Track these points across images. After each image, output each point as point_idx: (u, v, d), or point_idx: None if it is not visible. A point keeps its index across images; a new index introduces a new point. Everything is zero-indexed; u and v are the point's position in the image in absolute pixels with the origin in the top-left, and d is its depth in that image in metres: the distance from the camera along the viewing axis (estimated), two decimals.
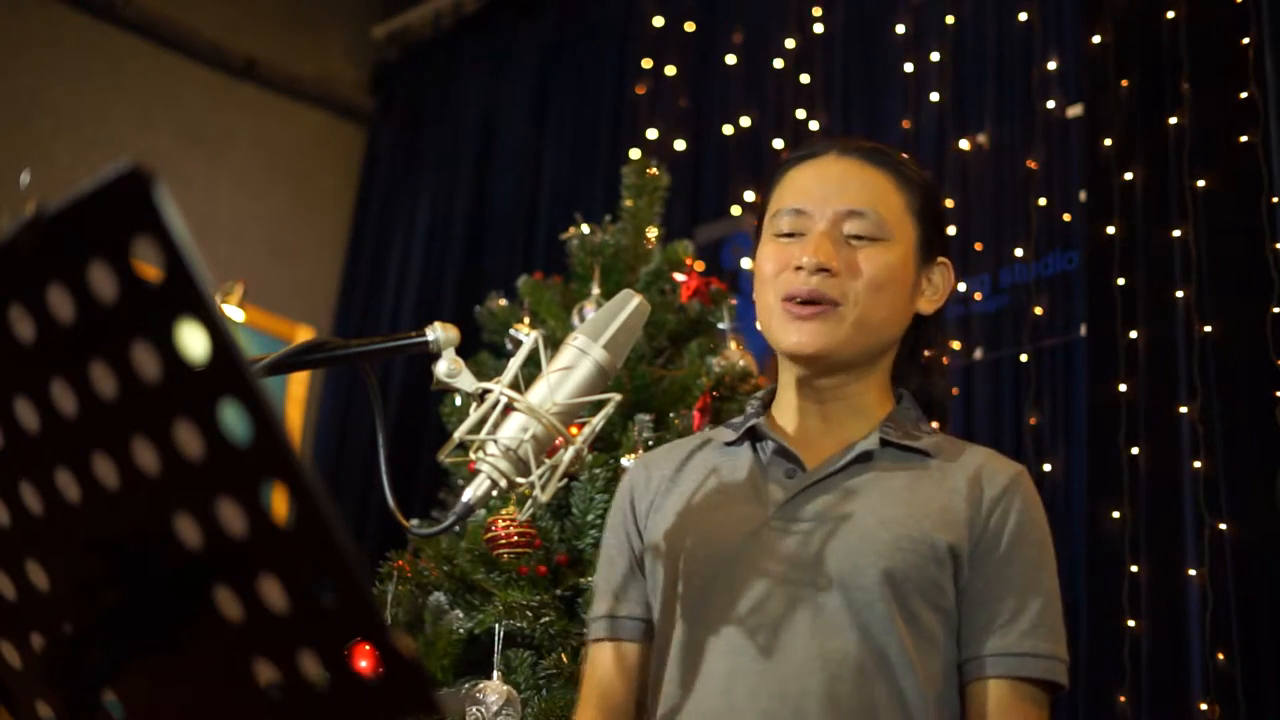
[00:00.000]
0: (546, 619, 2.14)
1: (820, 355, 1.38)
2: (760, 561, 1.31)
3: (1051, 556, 1.36)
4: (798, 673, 1.26)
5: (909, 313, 1.44)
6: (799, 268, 1.37)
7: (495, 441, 1.13)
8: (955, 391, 3.22)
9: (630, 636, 1.42)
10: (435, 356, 1.18)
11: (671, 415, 2.38)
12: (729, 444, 1.45)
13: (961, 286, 3.39)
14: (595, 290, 2.52)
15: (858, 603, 1.27)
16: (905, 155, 1.49)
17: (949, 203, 3.48)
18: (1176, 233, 2.92)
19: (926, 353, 1.52)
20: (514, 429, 1.13)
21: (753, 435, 1.44)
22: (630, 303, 1.23)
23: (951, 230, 3.42)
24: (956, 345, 3.32)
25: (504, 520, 2.18)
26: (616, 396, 1.19)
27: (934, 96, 3.59)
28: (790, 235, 1.41)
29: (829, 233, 1.38)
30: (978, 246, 3.41)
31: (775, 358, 1.48)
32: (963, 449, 1.41)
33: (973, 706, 1.30)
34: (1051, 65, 3.40)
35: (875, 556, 1.28)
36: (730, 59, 4.11)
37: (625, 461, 2.24)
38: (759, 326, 1.46)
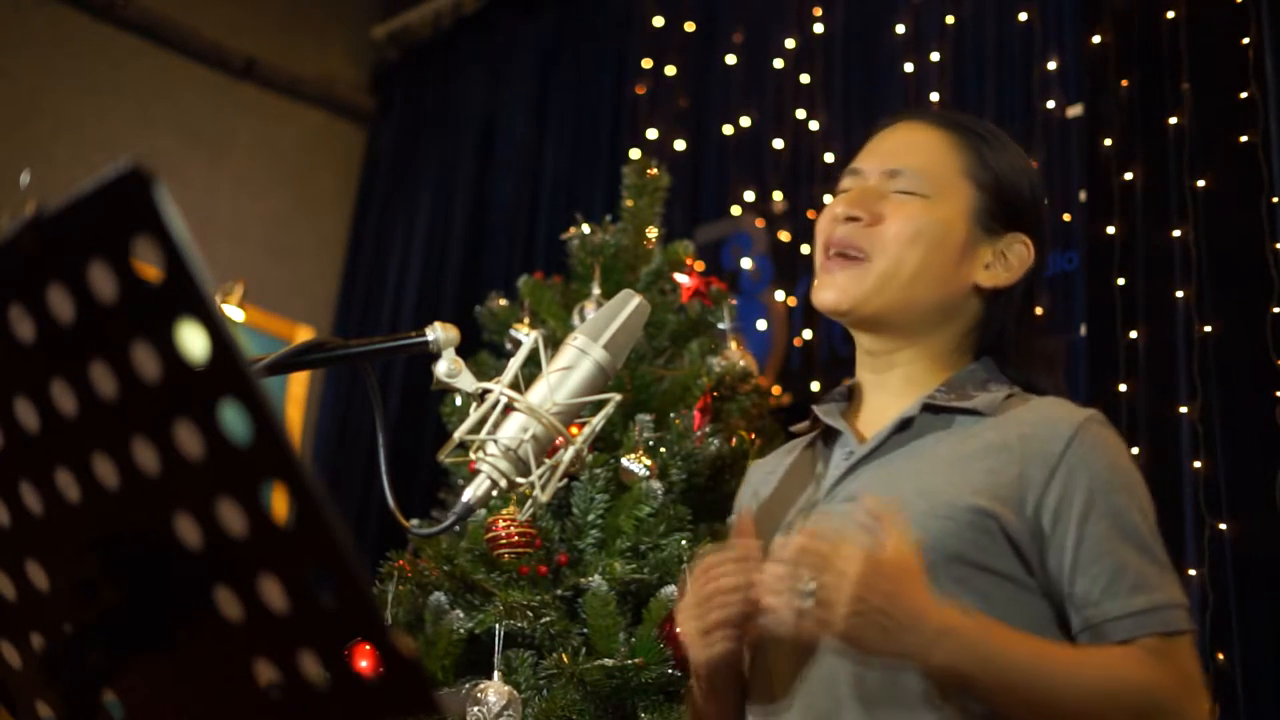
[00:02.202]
0: (547, 619, 2.13)
1: (848, 309, 1.37)
2: None
3: (1139, 496, 1.28)
4: (831, 662, 1.25)
5: (959, 279, 1.38)
6: (834, 219, 1.39)
7: (495, 441, 1.13)
8: None
9: None
10: (435, 356, 1.18)
11: (672, 415, 2.37)
12: (812, 437, 1.46)
13: None
14: (595, 290, 2.52)
15: None
16: (994, 130, 1.46)
17: None
18: (1176, 233, 2.92)
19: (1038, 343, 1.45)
20: (514, 429, 1.13)
21: (826, 430, 1.43)
22: (630, 303, 1.23)
23: None
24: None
25: (504, 520, 2.17)
26: (616, 396, 1.19)
27: (934, 96, 3.59)
28: (843, 193, 1.42)
29: (870, 187, 1.39)
30: None
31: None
32: (1023, 402, 1.34)
33: None
34: (1051, 65, 3.40)
35: (911, 528, 1.24)
36: (730, 59, 4.11)
37: (625, 461, 2.24)
38: None
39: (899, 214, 1.36)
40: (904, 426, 1.34)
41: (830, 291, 1.37)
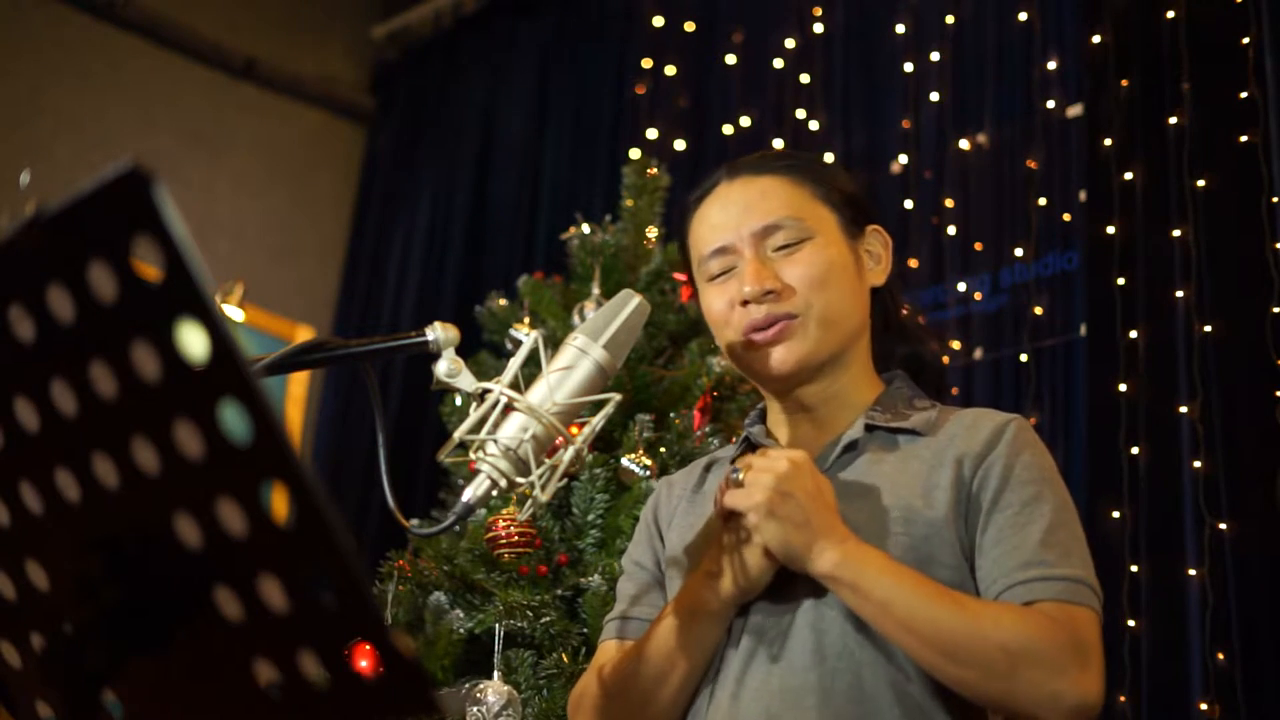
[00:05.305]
0: (547, 619, 2.14)
1: (801, 367, 1.39)
2: None
3: (1054, 489, 1.31)
4: (797, 671, 1.27)
5: (864, 292, 1.45)
6: (745, 302, 1.38)
7: (495, 441, 1.13)
8: (950, 382, 3.21)
9: (634, 635, 1.43)
10: (435, 356, 1.18)
11: (671, 415, 2.38)
12: (734, 456, 1.48)
13: (961, 286, 3.39)
14: (595, 290, 2.52)
15: None
16: (786, 149, 1.50)
17: (949, 202, 3.48)
18: (1176, 233, 2.92)
19: (908, 317, 1.54)
20: (514, 429, 1.13)
21: (750, 446, 1.46)
22: (630, 302, 1.24)
23: (951, 230, 3.43)
24: (956, 345, 3.32)
25: (504, 520, 2.18)
26: (616, 396, 1.20)
27: (934, 96, 3.59)
28: (723, 274, 1.42)
29: (756, 257, 1.40)
30: (978, 246, 3.41)
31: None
32: (952, 415, 1.40)
33: None
34: (1051, 65, 3.40)
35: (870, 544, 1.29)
36: (730, 59, 4.11)
37: (625, 461, 2.24)
38: (732, 363, 1.48)
39: (799, 269, 1.39)
40: (850, 448, 1.38)
41: (780, 355, 1.39)
